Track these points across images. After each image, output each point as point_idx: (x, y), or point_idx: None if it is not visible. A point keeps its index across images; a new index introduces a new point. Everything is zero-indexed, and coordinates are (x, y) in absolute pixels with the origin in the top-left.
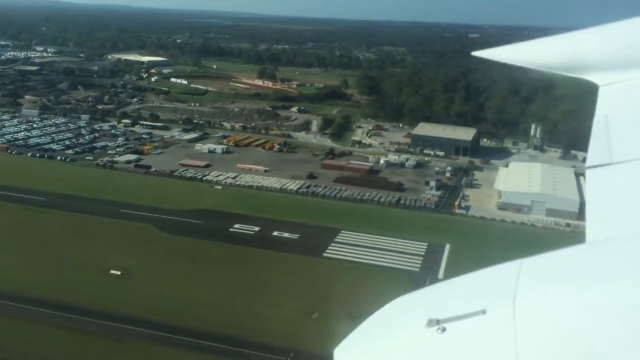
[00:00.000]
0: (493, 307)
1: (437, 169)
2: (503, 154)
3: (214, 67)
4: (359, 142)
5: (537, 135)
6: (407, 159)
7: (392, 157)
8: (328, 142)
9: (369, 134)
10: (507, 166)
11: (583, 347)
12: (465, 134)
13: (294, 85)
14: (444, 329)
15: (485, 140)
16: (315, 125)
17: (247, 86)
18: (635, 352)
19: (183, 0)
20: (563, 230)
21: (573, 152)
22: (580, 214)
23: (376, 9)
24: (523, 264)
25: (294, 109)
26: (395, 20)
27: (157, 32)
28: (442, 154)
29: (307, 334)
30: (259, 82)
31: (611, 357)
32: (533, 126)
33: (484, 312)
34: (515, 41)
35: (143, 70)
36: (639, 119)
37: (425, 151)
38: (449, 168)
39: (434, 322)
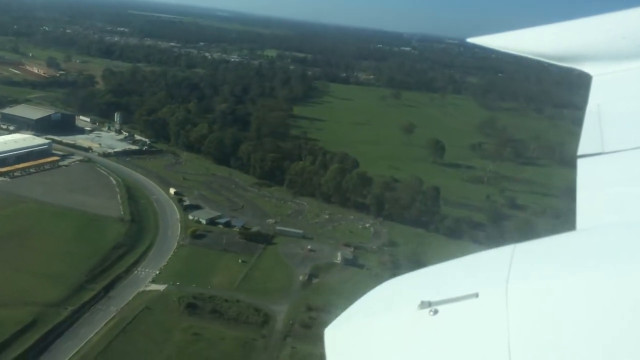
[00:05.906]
0: (486, 291)
1: None
2: (79, 132)
3: (30, 54)
4: None
5: (118, 121)
6: None
7: None
8: None
9: None
10: None
11: (573, 332)
12: (39, 113)
13: (58, 74)
14: (436, 311)
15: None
16: None
17: (20, 72)
18: (626, 337)
19: None
20: None
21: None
22: None
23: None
24: (516, 249)
25: None
26: (344, 25)
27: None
28: (12, 128)
29: None
30: (35, 70)
31: (602, 342)
32: (116, 114)
33: (476, 295)
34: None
35: None
36: (630, 109)
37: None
38: None
39: (426, 304)
